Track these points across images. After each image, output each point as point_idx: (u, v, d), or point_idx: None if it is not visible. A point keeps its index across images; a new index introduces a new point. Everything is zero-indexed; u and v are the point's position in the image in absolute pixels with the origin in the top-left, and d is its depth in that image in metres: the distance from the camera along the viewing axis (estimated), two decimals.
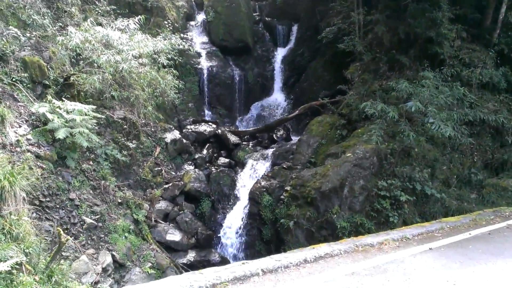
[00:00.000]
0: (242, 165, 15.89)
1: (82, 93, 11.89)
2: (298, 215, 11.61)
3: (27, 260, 5.90)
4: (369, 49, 15.11)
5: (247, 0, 24.45)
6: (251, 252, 13.04)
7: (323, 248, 6.38)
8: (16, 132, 9.52)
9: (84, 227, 9.66)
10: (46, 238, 8.17)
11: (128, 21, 13.26)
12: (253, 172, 15.27)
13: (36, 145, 9.71)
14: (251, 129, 19.38)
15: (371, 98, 12.32)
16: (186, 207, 13.57)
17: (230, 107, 21.78)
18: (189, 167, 15.31)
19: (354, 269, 5.74)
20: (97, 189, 10.87)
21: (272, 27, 25.12)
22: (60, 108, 10.16)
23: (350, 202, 11.30)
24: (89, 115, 10.52)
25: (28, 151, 9.39)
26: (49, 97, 10.65)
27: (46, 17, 12.83)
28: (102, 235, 10.02)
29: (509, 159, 12.89)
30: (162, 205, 13.18)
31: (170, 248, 12.10)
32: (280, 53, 24.32)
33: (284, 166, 14.21)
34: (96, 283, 8.94)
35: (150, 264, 10.52)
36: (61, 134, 9.62)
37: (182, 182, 14.01)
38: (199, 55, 21.77)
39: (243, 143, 17.66)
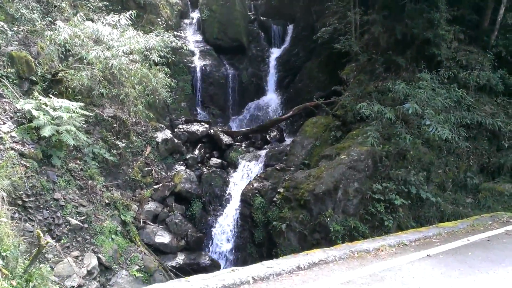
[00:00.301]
0: (235, 166, 15.61)
1: (70, 90, 11.53)
2: (291, 217, 11.39)
3: (4, 264, 5.56)
4: (365, 50, 14.88)
5: None
6: (242, 255, 12.80)
7: (317, 254, 6.09)
8: None
9: (69, 228, 9.32)
10: (28, 240, 7.80)
11: (119, 16, 12.91)
12: (245, 173, 14.99)
13: (20, 142, 9.35)
14: (244, 129, 19.08)
15: (367, 99, 12.07)
16: (176, 208, 13.23)
17: (223, 107, 21.48)
18: (180, 168, 15.00)
19: (350, 277, 5.45)
20: (84, 189, 10.53)
21: (267, 27, 24.92)
22: (47, 105, 9.81)
23: (344, 205, 11.08)
24: (77, 112, 10.18)
25: (12, 148, 9.04)
26: (36, 94, 10.31)
27: (35, 11, 12.46)
28: (88, 237, 9.68)
29: (505, 163, 12.68)
30: (151, 206, 12.83)
31: (159, 250, 11.77)
32: (275, 53, 24.14)
33: (277, 167, 13.98)
34: (80, 286, 8.60)
35: (137, 267, 10.20)
36: (46, 131, 9.27)
37: (173, 183, 13.67)
38: (192, 53, 21.48)
39: (236, 143, 17.38)
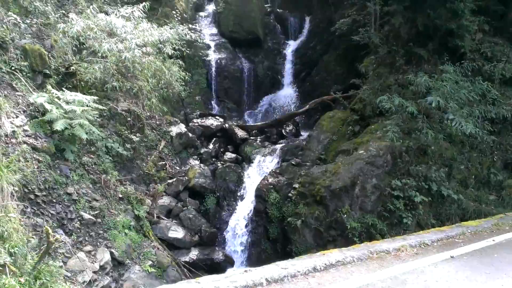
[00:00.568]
0: (249, 160, 15.36)
1: (83, 83, 11.42)
2: (306, 213, 11.15)
3: (12, 260, 5.45)
4: (385, 42, 14.42)
5: None
6: (257, 251, 12.63)
7: (334, 255, 5.81)
8: (12, 123, 9.08)
9: (81, 222, 9.22)
10: (39, 235, 7.71)
11: (133, 8, 12.73)
12: (260, 168, 14.75)
13: (33, 136, 9.26)
14: (259, 123, 18.77)
15: (386, 92, 11.68)
16: (190, 203, 13.09)
17: (239, 101, 21.25)
18: (194, 162, 14.82)
19: (369, 280, 5.17)
20: (97, 183, 10.42)
21: (284, 19, 24.52)
22: (59, 99, 9.70)
23: (361, 201, 10.82)
24: (90, 106, 10.06)
25: (25, 142, 8.95)
26: (49, 87, 10.22)
27: (48, 4, 12.36)
28: (101, 232, 9.57)
29: None
30: (165, 200, 12.70)
31: (172, 245, 11.65)
32: (292, 45, 23.71)
33: (293, 162, 13.72)
34: (93, 281, 8.51)
35: (150, 262, 10.08)
36: (59, 125, 9.16)
37: (187, 178, 13.53)
38: (207, 46, 21.26)
39: (251, 138, 17.12)
